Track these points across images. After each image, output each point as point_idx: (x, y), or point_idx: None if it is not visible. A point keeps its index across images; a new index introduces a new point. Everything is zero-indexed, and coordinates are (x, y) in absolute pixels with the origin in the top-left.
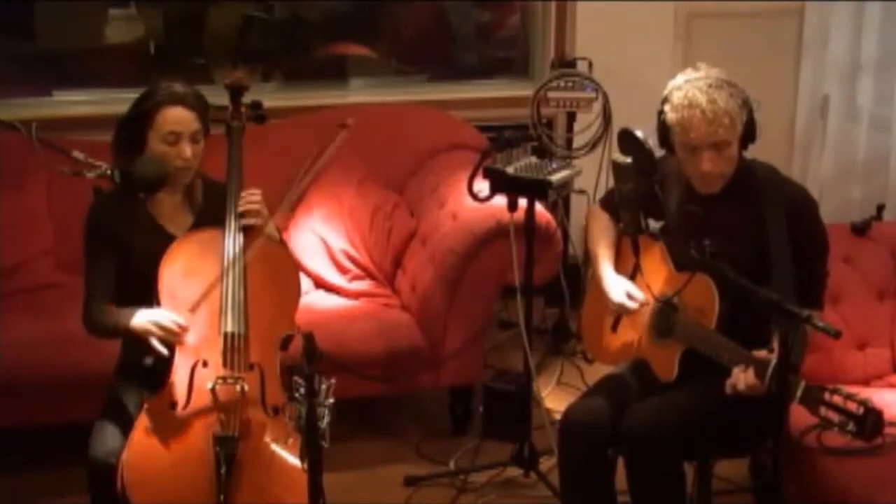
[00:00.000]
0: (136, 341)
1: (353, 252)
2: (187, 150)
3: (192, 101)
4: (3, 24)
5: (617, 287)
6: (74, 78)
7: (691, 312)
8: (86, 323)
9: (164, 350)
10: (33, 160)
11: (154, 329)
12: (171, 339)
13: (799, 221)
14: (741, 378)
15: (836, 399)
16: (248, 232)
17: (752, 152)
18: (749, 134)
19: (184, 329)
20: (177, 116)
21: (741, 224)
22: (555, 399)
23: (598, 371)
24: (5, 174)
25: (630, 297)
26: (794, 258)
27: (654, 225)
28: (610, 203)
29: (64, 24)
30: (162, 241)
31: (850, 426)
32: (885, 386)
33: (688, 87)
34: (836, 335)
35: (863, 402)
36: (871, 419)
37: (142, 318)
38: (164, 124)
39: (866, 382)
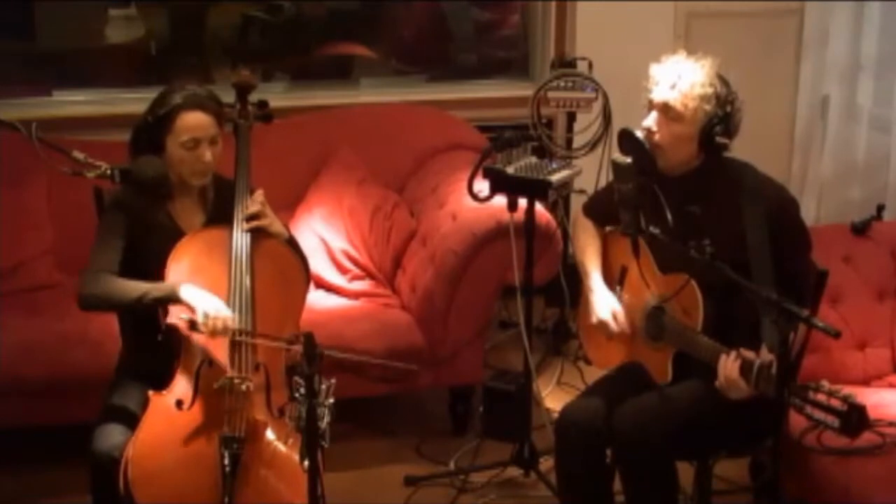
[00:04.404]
0: (136, 336)
1: (353, 252)
2: (207, 154)
3: (210, 105)
4: (3, 24)
5: (604, 305)
6: (74, 78)
7: (677, 314)
8: (82, 292)
9: (186, 320)
10: (33, 160)
11: (203, 311)
12: (208, 333)
13: (779, 221)
14: (724, 373)
15: (820, 397)
16: (254, 232)
17: (752, 151)
18: (707, 133)
19: (226, 332)
20: (196, 122)
21: (719, 223)
22: (555, 399)
23: (598, 371)
24: (5, 174)
25: (615, 317)
26: (776, 257)
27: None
28: (593, 209)
29: (64, 24)
30: (172, 238)
31: (835, 423)
32: (885, 386)
33: (692, 58)
34: (837, 335)
35: (846, 398)
36: (854, 415)
37: (197, 295)
38: (183, 130)
39: (866, 382)
